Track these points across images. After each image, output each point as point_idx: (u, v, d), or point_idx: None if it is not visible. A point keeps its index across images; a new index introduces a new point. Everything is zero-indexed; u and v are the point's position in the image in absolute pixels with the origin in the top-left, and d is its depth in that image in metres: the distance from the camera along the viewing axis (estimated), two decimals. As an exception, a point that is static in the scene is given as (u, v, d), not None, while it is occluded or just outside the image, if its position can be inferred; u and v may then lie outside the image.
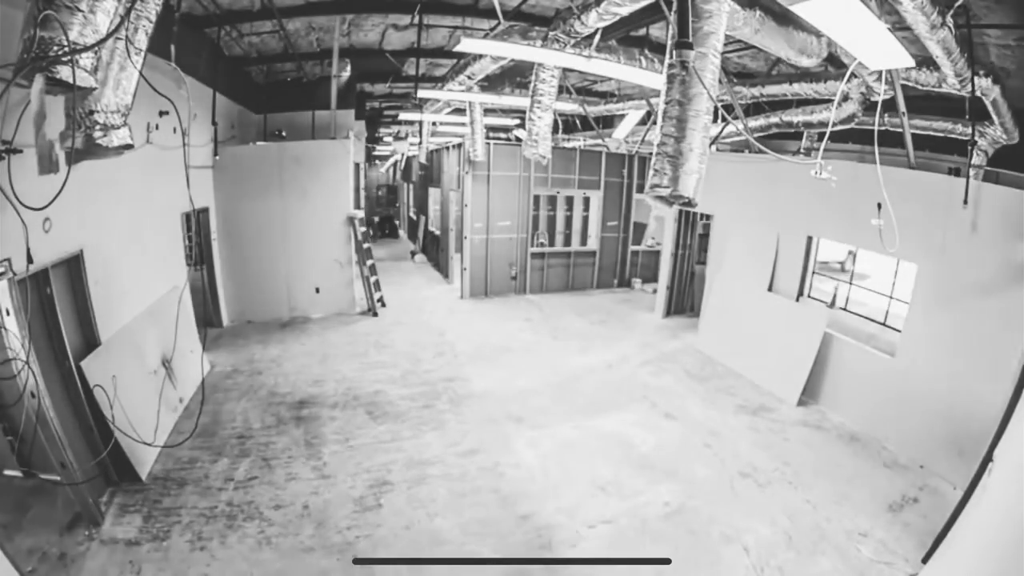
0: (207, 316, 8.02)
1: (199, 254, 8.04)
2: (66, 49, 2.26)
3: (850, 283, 7.09)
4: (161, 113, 5.41)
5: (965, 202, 4.85)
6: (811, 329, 6.51)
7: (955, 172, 5.18)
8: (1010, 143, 5.00)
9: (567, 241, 11.97)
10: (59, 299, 4.00)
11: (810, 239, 6.80)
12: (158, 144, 5.49)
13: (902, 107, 4.66)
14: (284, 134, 9.20)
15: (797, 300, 6.95)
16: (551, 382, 6.92)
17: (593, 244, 11.99)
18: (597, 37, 4.33)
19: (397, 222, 21.24)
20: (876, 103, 4.64)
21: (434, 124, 11.83)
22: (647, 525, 4.23)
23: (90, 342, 4.43)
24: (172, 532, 3.88)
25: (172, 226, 6.48)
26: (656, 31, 5.87)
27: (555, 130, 10.58)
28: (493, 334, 8.75)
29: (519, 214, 11.00)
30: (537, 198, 11.21)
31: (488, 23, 6.62)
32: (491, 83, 7.23)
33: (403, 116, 10.22)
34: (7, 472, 3.40)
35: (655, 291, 11.02)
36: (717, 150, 9.08)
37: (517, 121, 11.61)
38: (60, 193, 2.65)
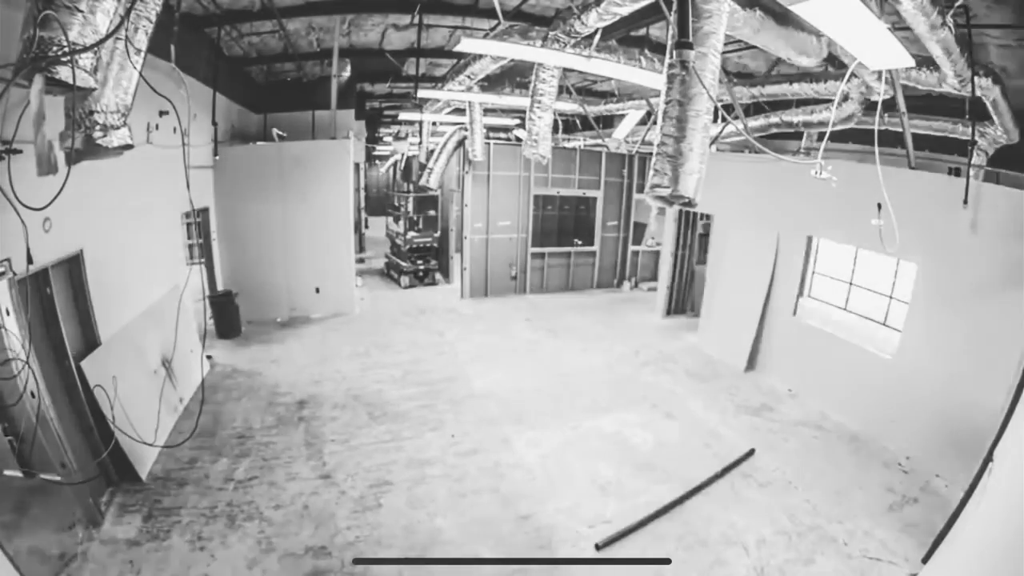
0: (207, 316, 8.01)
1: (199, 254, 8.03)
2: (66, 49, 2.26)
3: (850, 283, 7.08)
4: (161, 113, 5.40)
5: (965, 202, 4.85)
6: (811, 329, 6.52)
7: (955, 172, 5.18)
8: (1010, 143, 5.00)
9: (566, 241, 11.95)
10: (59, 299, 4.00)
11: (810, 239, 6.79)
12: (158, 144, 5.49)
13: (902, 107, 4.66)
14: (284, 134, 9.19)
15: (797, 299, 6.95)
16: (551, 382, 6.91)
17: (593, 244, 11.97)
18: (597, 37, 4.32)
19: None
20: (876, 103, 4.63)
21: (434, 124, 11.82)
22: (647, 525, 4.22)
23: (90, 342, 4.43)
24: (172, 532, 3.88)
25: (172, 226, 6.48)
26: (656, 31, 5.86)
27: (555, 130, 10.57)
28: (493, 334, 8.75)
29: (519, 214, 10.99)
30: (537, 198, 11.20)
31: (488, 23, 6.62)
32: (491, 83, 7.22)
33: (403, 116, 10.20)
34: (7, 472, 3.40)
35: (649, 289, 11.03)
36: (717, 150, 9.07)
37: (517, 121, 11.60)
38: (60, 193, 2.65)
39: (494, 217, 10.77)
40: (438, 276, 12.36)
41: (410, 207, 12.40)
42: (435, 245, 12.17)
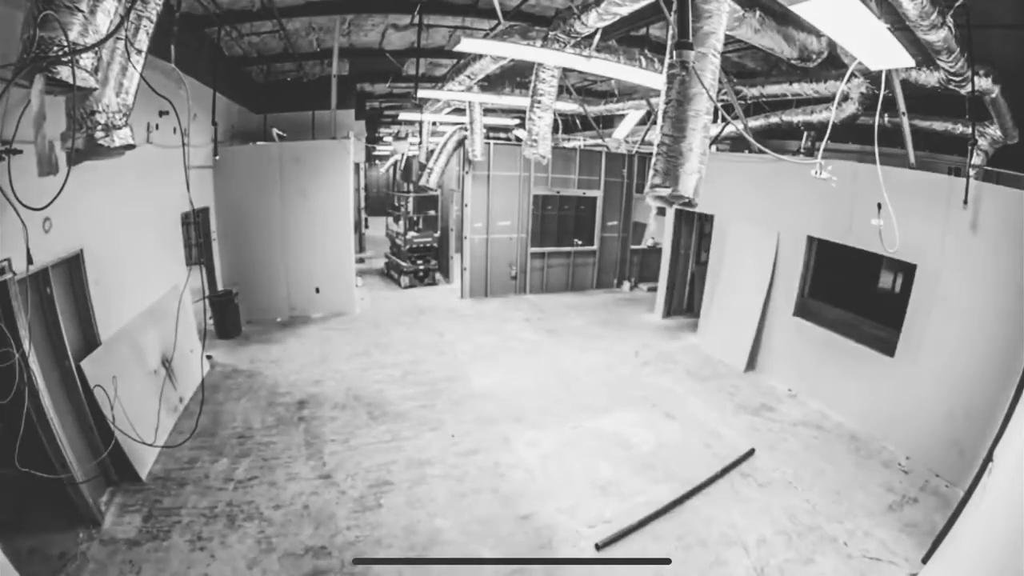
0: (207, 316, 8.01)
1: (199, 254, 8.04)
2: (66, 49, 2.26)
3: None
4: (161, 113, 5.41)
5: (965, 202, 4.85)
6: (810, 329, 6.51)
7: (955, 172, 5.18)
8: (1010, 143, 5.00)
9: (566, 241, 11.95)
10: (59, 299, 4.00)
11: (810, 238, 6.79)
12: (158, 144, 5.49)
13: (902, 107, 4.66)
14: (284, 134, 9.20)
15: (797, 299, 6.95)
16: (551, 382, 6.92)
17: (593, 244, 11.97)
18: (597, 37, 4.33)
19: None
20: (876, 102, 4.63)
21: (434, 124, 11.83)
22: (647, 525, 4.23)
23: (90, 342, 4.43)
24: (172, 532, 3.88)
25: (172, 226, 6.48)
26: (656, 31, 5.87)
27: (555, 130, 10.58)
28: (493, 334, 8.75)
29: (519, 214, 11.00)
30: (537, 198, 11.20)
31: (488, 23, 6.62)
32: (491, 83, 7.23)
33: (403, 116, 10.21)
34: (7, 471, 3.40)
35: (649, 289, 11.03)
36: (717, 150, 9.08)
37: (517, 121, 11.61)
38: (60, 193, 2.65)
39: (494, 217, 10.77)
40: (438, 276, 12.37)
41: (410, 207, 12.40)
42: (435, 245, 12.20)
